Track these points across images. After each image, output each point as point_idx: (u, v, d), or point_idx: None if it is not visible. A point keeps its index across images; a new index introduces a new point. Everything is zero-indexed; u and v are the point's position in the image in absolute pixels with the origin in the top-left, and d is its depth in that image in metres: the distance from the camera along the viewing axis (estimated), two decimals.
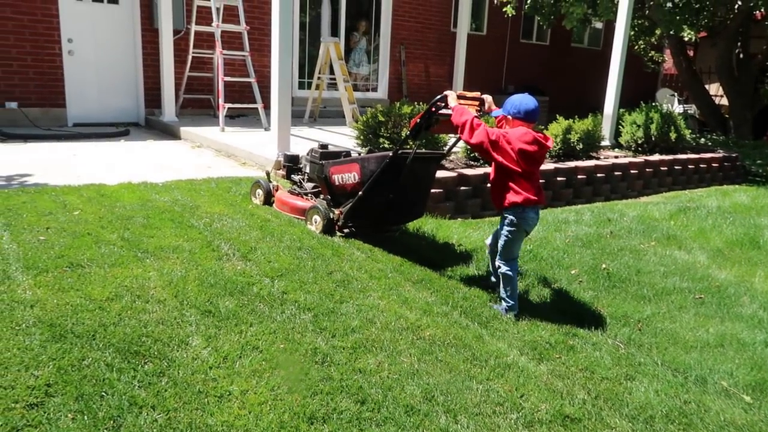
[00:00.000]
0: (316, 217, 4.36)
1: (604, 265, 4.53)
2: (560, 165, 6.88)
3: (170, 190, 5.02)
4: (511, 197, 3.54)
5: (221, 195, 4.99)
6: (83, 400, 2.33)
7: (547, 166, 6.74)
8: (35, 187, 4.85)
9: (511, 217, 3.59)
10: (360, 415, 2.48)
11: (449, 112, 3.73)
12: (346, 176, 4.24)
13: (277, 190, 4.92)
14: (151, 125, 8.93)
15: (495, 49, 13.64)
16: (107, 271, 3.33)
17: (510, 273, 3.61)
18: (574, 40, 15.35)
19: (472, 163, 6.80)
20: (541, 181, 6.12)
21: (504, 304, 3.64)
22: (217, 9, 8.49)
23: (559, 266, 4.43)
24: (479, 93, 9.41)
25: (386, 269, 3.89)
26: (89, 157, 6.39)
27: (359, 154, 4.83)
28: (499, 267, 3.68)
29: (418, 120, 3.85)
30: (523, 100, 3.59)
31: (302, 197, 4.79)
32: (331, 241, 4.18)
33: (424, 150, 3.99)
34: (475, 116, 3.59)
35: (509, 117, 3.62)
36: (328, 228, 4.31)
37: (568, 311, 3.71)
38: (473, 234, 4.98)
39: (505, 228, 3.63)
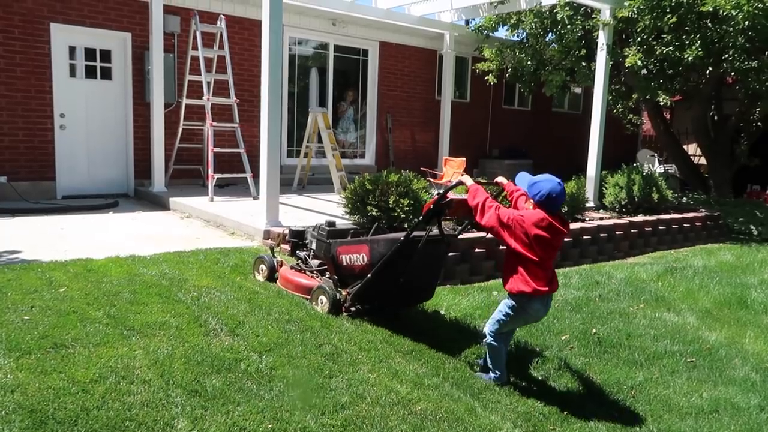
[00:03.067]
0: (323, 298, 4.23)
1: (594, 330, 4.52)
2: None
3: (158, 263, 5.01)
4: (519, 285, 3.36)
5: (209, 267, 4.98)
6: None
7: None
8: (21, 263, 4.82)
9: (513, 303, 3.45)
10: None
11: (460, 197, 3.68)
12: (354, 257, 4.11)
13: (281, 266, 4.82)
14: (141, 196, 8.99)
15: (479, 115, 14.06)
16: (92, 351, 3.27)
17: (494, 343, 3.54)
18: (555, 105, 15.87)
19: (459, 228, 6.87)
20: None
21: (491, 374, 3.59)
22: (208, 83, 8.74)
23: (550, 332, 4.41)
24: (463, 159, 9.54)
25: (376, 340, 3.85)
26: (77, 230, 6.38)
27: (366, 234, 4.82)
28: (484, 336, 3.61)
29: (431, 206, 3.71)
30: (551, 186, 3.29)
31: (307, 275, 4.63)
32: (320, 314, 4.16)
33: (436, 231, 3.93)
34: (489, 197, 3.44)
35: (529, 197, 3.41)
36: (335, 309, 4.17)
37: (561, 380, 3.66)
38: (462, 301, 4.97)
39: (505, 309, 3.50)
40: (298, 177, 10.00)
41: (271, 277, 4.83)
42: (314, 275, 4.60)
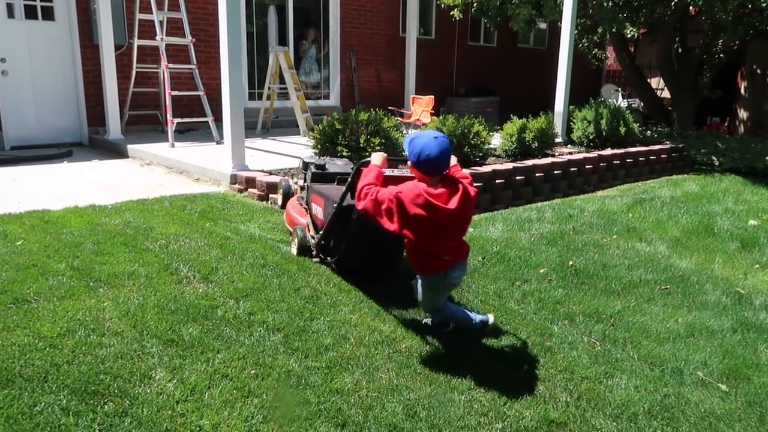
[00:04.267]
0: (294, 240, 4.07)
1: (570, 262, 4.54)
2: (518, 164, 6.92)
3: (121, 212, 4.76)
4: (422, 268, 3.01)
5: (176, 214, 4.77)
6: None
7: (506, 165, 6.76)
8: None
9: (426, 282, 3.07)
10: None
11: (394, 173, 3.19)
12: (316, 208, 3.91)
13: (293, 195, 4.68)
14: (96, 144, 8.54)
15: (444, 53, 13.73)
16: (57, 305, 3.10)
17: (436, 320, 3.28)
18: (521, 41, 15.62)
19: None
20: (479, 184, 6.09)
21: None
22: (160, 22, 8.20)
23: (527, 266, 4.41)
24: (432, 96, 9.27)
25: (355, 281, 3.77)
26: (30, 181, 6.03)
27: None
28: (427, 322, 3.32)
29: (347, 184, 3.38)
30: (425, 144, 2.74)
31: (304, 212, 4.27)
32: (295, 257, 4.03)
33: None
34: (375, 181, 2.91)
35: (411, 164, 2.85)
36: (302, 253, 4.00)
37: (541, 312, 3.67)
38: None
39: (422, 289, 3.14)
40: (262, 120, 9.66)
41: (284, 204, 4.81)
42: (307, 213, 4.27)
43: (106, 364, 2.65)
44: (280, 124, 10.31)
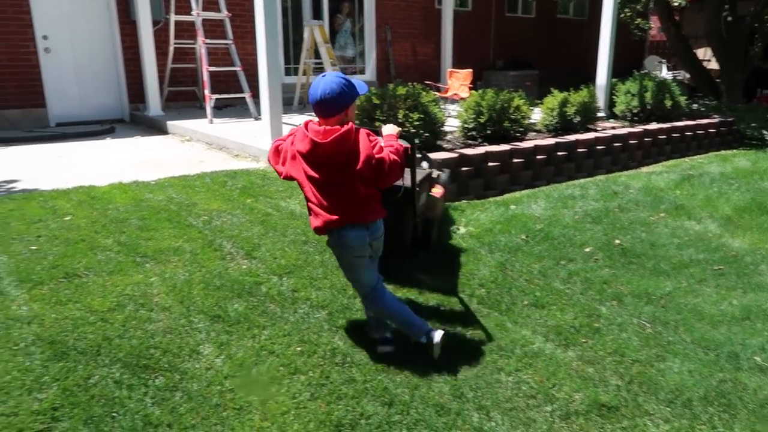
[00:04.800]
0: None
1: (617, 241, 4.41)
2: (560, 139, 6.73)
3: (164, 188, 4.82)
4: (311, 220, 2.64)
5: (217, 190, 4.80)
6: (93, 423, 2.17)
7: (548, 141, 6.59)
8: (22, 193, 4.63)
9: (329, 241, 2.70)
10: (389, 419, 2.35)
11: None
12: None
13: None
14: (137, 121, 8.65)
15: (481, 25, 13.39)
16: (106, 280, 3.15)
17: (382, 306, 2.73)
18: (560, 11, 15.11)
19: (470, 142, 6.64)
20: (520, 160, 5.81)
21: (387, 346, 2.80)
22: None
23: (572, 244, 4.30)
24: (471, 70, 8.99)
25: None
26: (76, 157, 6.14)
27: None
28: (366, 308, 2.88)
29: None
30: (314, 85, 2.55)
31: None
32: None
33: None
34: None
35: None
36: None
37: (587, 292, 3.58)
38: (481, 216, 4.83)
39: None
40: (298, 95, 9.61)
41: None
42: None
43: (155, 339, 2.69)
44: None
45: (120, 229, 3.85)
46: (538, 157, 6.34)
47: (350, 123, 2.55)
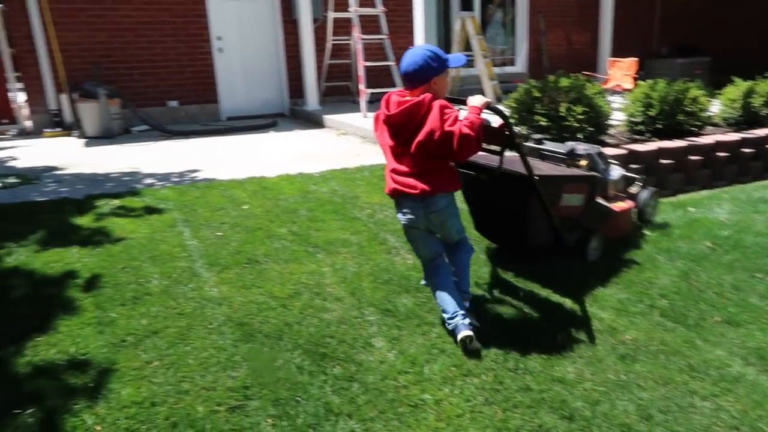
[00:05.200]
0: None
1: None
2: (746, 134, 5.99)
3: (327, 180, 5.02)
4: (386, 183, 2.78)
5: (377, 183, 4.90)
6: (280, 405, 2.28)
7: (731, 136, 5.90)
8: (204, 182, 5.08)
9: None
10: None
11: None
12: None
13: None
14: (296, 115, 9.16)
15: (643, 8, 12.33)
16: (283, 267, 3.33)
17: (432, 283, 2.82)
18: None
19: (636, 137, 6.14)
20: (697, 158, 5.18)
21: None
22: None
23: None
24: (636, 59, 8.27)
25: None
26: (246, 149, 6.63)
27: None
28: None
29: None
30: (404, 56, 2.66)
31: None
32: None
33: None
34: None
35: None
36: None
37: None
38: (655, 218, 4.43)
39: None
40: (449, 89, 9.55)
41: None
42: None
43: (331, 328, 2.78)
44: (466, 93, 10.12)
45: (291, 219, 4.07)
46: (719, 154, 5.69)
47: (428, 95, 2.56)
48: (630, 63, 8.58)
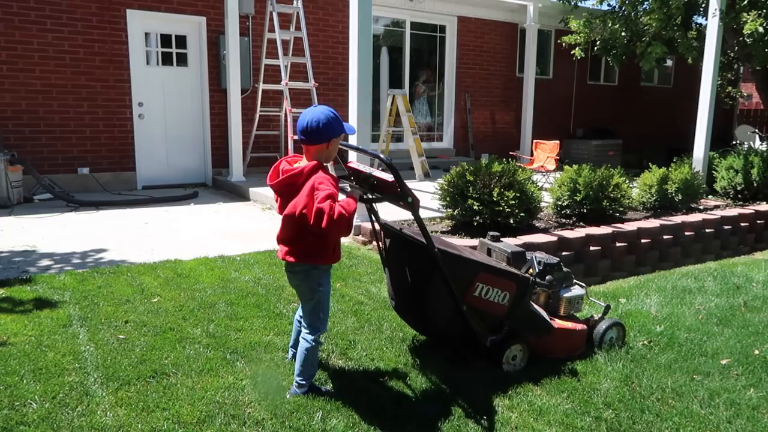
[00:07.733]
0: None
1: (756, 351, 3.81)
2: (665, 221, 6.20)
3: (249, 265, 4.64)
4: None
5: None
6: None
7: (651, 223, 6.08)
8: (110, 266, 4.56)
9: None
10: None
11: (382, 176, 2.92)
12: None
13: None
14: (219, 186, 8.76)
15: (562, 93, 13.10)
16: (195, 381, 2.90)
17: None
18: (644, 79, 14.65)
19: (563, 220, 6.22)
20: (623, 244, 5.25)
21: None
22: (285, 66, 8.33)
23: (702, 353, 3.74)
24: (558, 142, 8.62)
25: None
26: (161, 224, 6.14)
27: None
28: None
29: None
30: (303, 113, 2.66)
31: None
32: None
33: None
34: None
35: None
36: None
37: (736, 420, 3.02)
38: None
39: None
40: (378, 163, 9.52)
41: None
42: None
43: None
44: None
45: (208, 316, 3.65)
46: (643, 240, 5.82)
47: (311, 164, 2.56)
48: (553, 145, 8.90)
